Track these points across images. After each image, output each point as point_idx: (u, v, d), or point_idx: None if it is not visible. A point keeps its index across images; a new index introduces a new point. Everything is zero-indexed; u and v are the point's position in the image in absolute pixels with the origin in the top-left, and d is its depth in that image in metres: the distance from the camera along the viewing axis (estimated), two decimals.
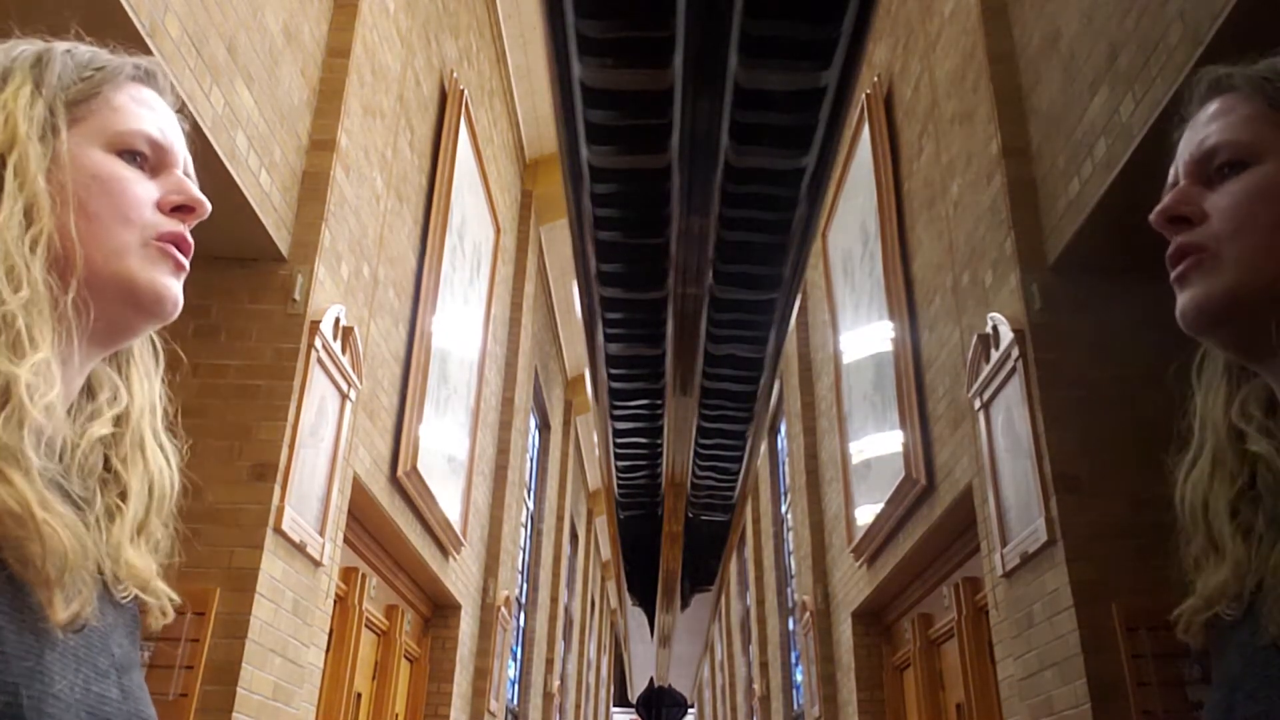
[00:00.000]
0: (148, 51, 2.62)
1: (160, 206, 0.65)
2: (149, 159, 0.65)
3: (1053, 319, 3.53)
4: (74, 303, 0.59)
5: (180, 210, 0.66)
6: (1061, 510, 3.26)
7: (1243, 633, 0.65)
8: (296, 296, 3.49)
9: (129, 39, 2.62)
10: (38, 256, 0.58)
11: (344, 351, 3.78)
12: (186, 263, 0.65)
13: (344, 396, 3.82)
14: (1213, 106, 0.69)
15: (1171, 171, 0.71)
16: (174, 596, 0.64)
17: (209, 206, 0.67)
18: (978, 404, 3.93)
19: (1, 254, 0.56)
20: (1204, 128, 0.68)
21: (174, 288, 0.64)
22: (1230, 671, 0.65)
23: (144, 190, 0.64)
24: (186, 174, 0.68)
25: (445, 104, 5.58)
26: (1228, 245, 0.64)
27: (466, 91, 5.79)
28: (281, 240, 3.52)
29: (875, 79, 5.84)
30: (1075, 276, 3.55)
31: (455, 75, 5.71)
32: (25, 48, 0.65)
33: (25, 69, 0.63)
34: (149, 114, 0.66)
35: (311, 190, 3.70)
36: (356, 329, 3.92)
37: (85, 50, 0.67)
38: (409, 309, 4.99)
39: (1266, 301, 0.62)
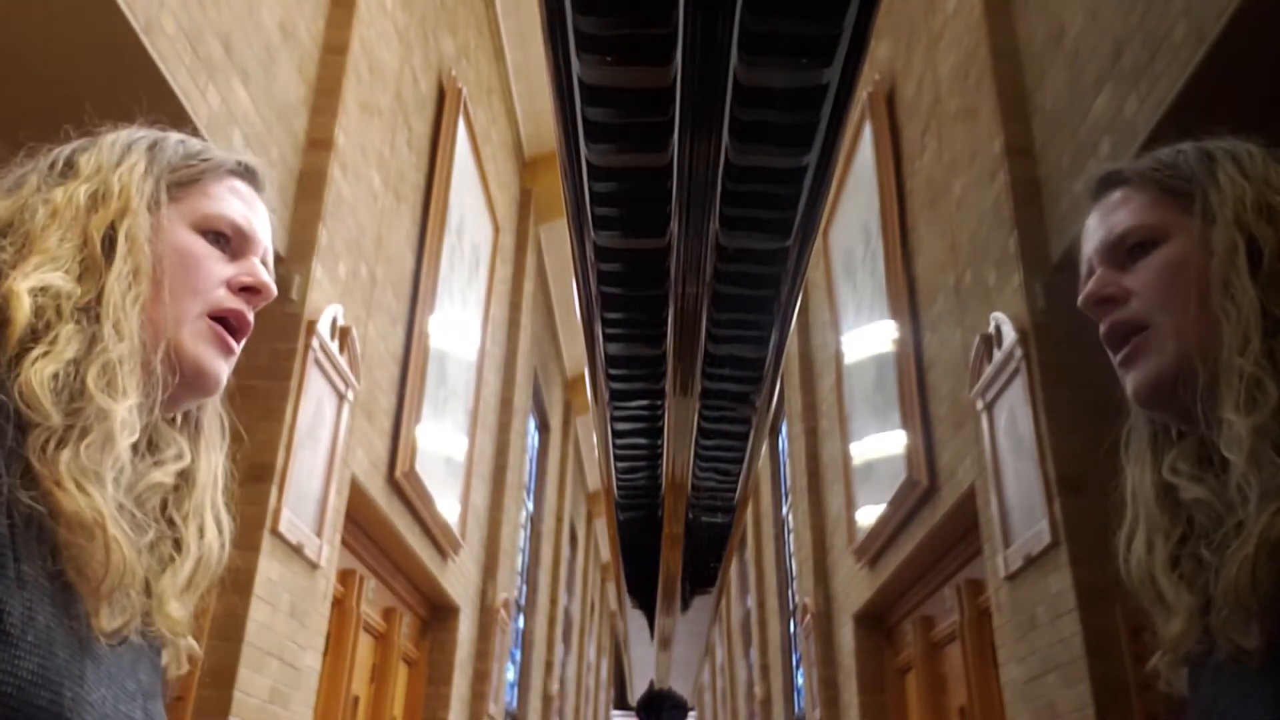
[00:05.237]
0: (142, 48, 2.59)
1: (230, 284, 0.71)
2: (231, 242, 0.73)
3: (1056, 319, 3.50)
4: (160, 363, 0.65)
5: (247, 291, 0.72)
6: (1065, 512, 3.23)
7: (1212, 659, 0.66)
8: (293, 296, 3.47)
9: (123, 35, 2.59)
10: (135, 315, 0.64)
11: (341, 352, 3.75)
12: (237, 347, 0.71)
13: (341, 397, 3.79)
14: (1115, 196, 0.77)
15: (1084, 263, 0.78)
16: (195, 650, 0.69)
17: (275, 292, 0.74)
18: (980, 405, 3.91)
19: (111, 307, 0.63)
20: (1109, 217, 0.76)
21: (216, 366, 0.69)
22: (1204, 698, 0.67)
23: (217, 269, 0.71)
24: (264, 262, 0.75)
25: (443, 102, 5.56)
26: (1160, 317, 0.69)
27: (465, 89, 5.76)
28: (278, 239, 3.49)
29: (877, 76, 5.82)
30: (1079, 276, 3.52)
31: (453, 73, 5.69)
32: (145, 134, 0.75)
33: (142, 150, 0.72)
34: (239, 204, 0.74)
35: (308, 189, 3.67)
36: (354, 329, 3.90)
37: (197, 143, 0.76)
38: (407, 309, 4.96)
39: (1195, 367, 0.66)
